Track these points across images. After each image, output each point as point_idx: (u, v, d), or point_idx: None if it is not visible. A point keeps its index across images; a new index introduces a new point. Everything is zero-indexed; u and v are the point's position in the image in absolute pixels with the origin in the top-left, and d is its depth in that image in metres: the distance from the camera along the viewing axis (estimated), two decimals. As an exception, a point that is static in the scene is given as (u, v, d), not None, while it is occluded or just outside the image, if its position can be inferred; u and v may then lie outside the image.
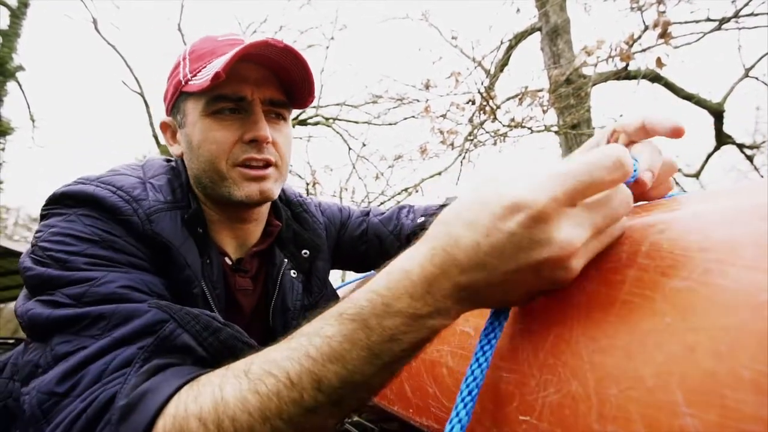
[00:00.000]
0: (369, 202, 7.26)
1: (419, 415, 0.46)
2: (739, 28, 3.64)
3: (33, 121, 9.09)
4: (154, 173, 0.61)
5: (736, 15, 3.40)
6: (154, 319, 0.43)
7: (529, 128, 3.79)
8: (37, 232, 0.51)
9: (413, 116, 6.60)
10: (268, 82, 0.60)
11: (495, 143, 4.11)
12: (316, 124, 9.27)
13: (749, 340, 0.20)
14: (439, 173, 6.47)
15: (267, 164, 0.60)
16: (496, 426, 0.33)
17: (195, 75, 0.59)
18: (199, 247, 0.59)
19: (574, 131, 3.62)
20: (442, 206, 0.78)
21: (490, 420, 0.34)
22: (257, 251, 0.70)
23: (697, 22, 3.50)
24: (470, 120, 4.64)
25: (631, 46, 3.40)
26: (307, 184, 7.66)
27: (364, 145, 7.68)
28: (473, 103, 4.00)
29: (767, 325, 0.19)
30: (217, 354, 0.44)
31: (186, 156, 0.64)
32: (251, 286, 0.69)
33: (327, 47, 9.61)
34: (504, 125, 3.86)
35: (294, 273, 0.72)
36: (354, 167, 7.59)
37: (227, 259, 0.66)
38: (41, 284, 0.46)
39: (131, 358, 0.40)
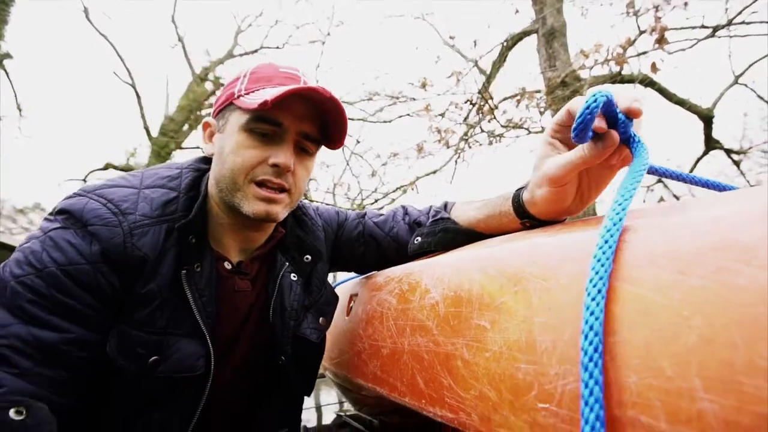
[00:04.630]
0: (362, 200, 7.26)
1: (432, 405, 0.47)
2: (731, 36, 3.72)
3: (20, 110, 8.87)
4: (152, 183, 0.64)
5: (730, 23, 3.47)
6: None
7: (527, 129, 3.82)
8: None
9: (408, 114, 6.61)
10: (307, 117, 0.65)
11: (491, 143, 4.15)
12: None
13: (764, 334, 0.22)
14: (434, 172, 6.50)
15: (281, 189, 0.64)
16: (513, 414, 0.35)
17: (248, 93, 0.63)
18: (187, 256, 0.62)
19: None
20: (437, 214, 0.79)
21: (507, 408, 0.35)
22: (259, 255, 0.73)
23: (693, 28, 3.58)
24: (465, 119, 4.67)
25: (626, 50, 3.45)
26: (302, 180, 7.59)
27: (358, 141, 7.66)
28: (472, 103, 4.02)
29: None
30: None
31: (215, 158, 0.67)
32: (250, 287, 0.72)
33: (323, 43, 9.57)
34: (502, 125, 3.89)
35: (294, 276, 0.75)
36: (348, 164, 7.57)
37: (227, 264, 0.69)
38: None
39: None
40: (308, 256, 0.77)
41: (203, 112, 10.14)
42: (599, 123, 0.41)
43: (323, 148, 0.71)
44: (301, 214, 0.81)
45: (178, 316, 0.60)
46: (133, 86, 9.22)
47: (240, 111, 0.63)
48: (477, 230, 0.70)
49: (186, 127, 10.08)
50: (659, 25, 3.09)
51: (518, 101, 3.92)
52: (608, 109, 0.40)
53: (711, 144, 5.27)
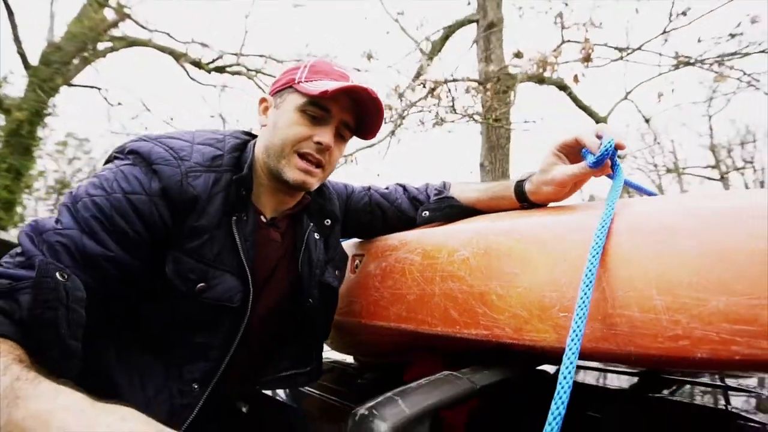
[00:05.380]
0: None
1: (467, 328, 0.68)
2: (627, 61, 4.54)
3: None
4: (203, 141, 0.76)
5: (639, 48, 4.25)
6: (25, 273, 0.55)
7: (470, 116, 4.20)
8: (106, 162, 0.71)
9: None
10: (350, 110, 0.80)
11: (434, 126, 4.46)
12: (236, 73, 8.53)
13: (686, 270, 0.46)
14: (371, 145, 6.66)
15: (318, 164, 0.78)
16: (541, 322, 0.57)
17: (308, 81, 0.77)
18: (237, 205, 0.75)
19: (499, 124, 4.15)
20: (440, 192, 0.99)
21: (536, 320, 0.57)
22: (289, 214, 0.88)
23: (616, 48, 4.33)
24: (400, 96, 4.89)
25: (557, 58, 3.99)
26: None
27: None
28: (423, 85, 4.24)
29: (694, 265, 0.45)
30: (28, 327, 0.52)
31: (268, 129, 0.80)
32: (280, 240, 0.85)
33: (257, -11, 8.79)
34: (451, 109, 4.19)
35: (317, 235, 0.90)
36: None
37: (262, 217, 0.82)
38: (65, 197, 0.65)
39: None
40: (328, 220, 0.93)
41: (102, 47, 8.63)
42: None
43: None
44: (321, 185, 0.94)
45: (225, 254, 0.72)
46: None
47: (298, 94, 0.77)
48: (476, 208, 0.91)
49: (77, 60, 8.50)
50: (587, 44, 3.64)
51: (466, 90, 4.26)
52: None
53: (602, 147, 6.36)
